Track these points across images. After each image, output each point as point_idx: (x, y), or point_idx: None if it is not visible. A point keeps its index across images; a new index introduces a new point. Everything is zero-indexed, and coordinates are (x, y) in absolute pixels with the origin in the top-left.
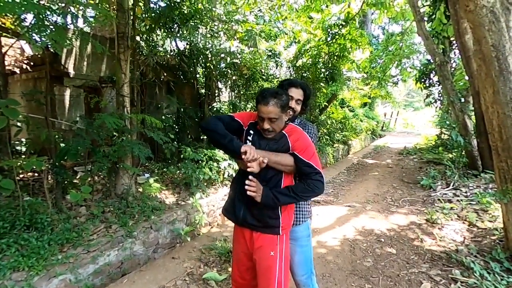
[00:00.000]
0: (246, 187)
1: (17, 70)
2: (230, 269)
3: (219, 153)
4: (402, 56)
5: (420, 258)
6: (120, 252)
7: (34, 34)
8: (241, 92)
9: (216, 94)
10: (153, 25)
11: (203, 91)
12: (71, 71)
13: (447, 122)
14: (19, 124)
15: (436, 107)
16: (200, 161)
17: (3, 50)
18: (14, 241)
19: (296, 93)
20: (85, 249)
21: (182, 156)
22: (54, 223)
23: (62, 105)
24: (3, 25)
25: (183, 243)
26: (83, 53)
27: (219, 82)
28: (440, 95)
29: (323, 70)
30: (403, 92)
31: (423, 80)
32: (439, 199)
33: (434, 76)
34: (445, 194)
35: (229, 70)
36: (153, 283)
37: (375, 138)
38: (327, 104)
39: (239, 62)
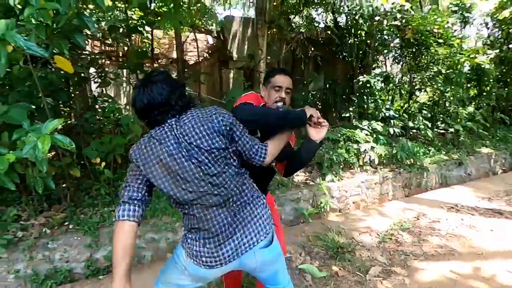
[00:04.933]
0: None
1: (201, 58)
2: (334, 267)
3: (361, 134)
4: None
5: None
6: None
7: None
8: (407, 64)
9: (373, 67)
10: None
11: (358, 64)
12: (234, 54)
13: None
14: None
15: None
16: (336, 141)
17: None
18: None
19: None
20: None
21: None
22: None
23: (227, 86)
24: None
25: (305, 222)
26: (245, 37)
27: (376, 53)
28: None
29: None
30: None
31: None
32: None
33: None
34: None
35: (389, 36)
36: None
37: None
38: None
39: (400, 24)
